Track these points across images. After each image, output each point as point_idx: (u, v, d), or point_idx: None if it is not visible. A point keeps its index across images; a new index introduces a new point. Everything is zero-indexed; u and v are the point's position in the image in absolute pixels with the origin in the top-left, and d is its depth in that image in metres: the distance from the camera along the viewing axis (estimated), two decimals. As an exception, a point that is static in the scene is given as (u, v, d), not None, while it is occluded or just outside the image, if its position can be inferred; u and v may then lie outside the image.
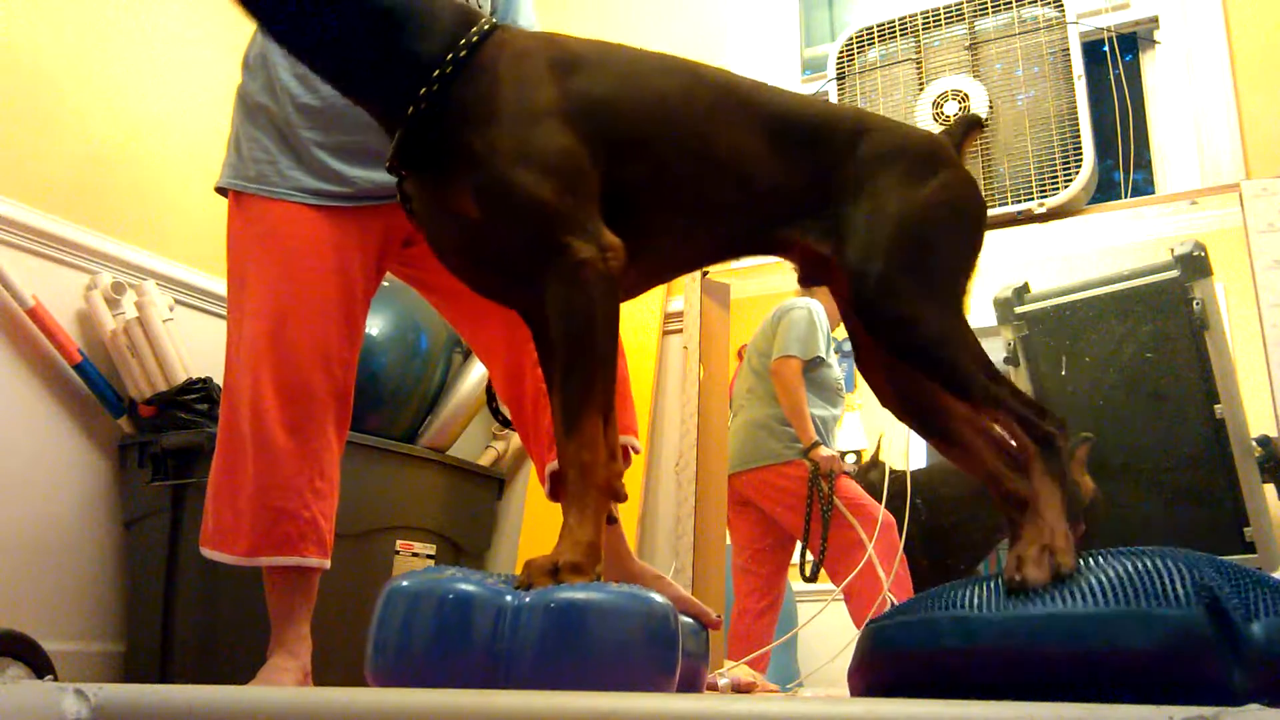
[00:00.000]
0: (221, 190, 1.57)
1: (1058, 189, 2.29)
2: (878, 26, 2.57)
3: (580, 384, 0.97)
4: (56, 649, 1.80)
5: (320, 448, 1.47)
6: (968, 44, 2.45)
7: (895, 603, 2.30)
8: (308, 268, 1.47)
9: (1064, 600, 0.79)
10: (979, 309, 2.55)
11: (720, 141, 1.06)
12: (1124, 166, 2.48)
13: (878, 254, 1.01)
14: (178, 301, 2.42)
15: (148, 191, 2.48)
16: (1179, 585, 0.77)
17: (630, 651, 0.87)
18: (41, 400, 2.16)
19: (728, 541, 2.63)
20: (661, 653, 0.89)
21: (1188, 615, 0.75)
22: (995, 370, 0.99)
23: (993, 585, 0.85)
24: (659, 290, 2.81)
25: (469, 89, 1.01)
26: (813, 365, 2.76)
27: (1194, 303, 2.33)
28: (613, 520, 1.36)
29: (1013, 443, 1.02)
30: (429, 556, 2.45)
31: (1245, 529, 2.20)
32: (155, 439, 2.12)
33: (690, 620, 1.10)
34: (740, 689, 2.01)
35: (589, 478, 0.96)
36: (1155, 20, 2.54)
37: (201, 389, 2.18)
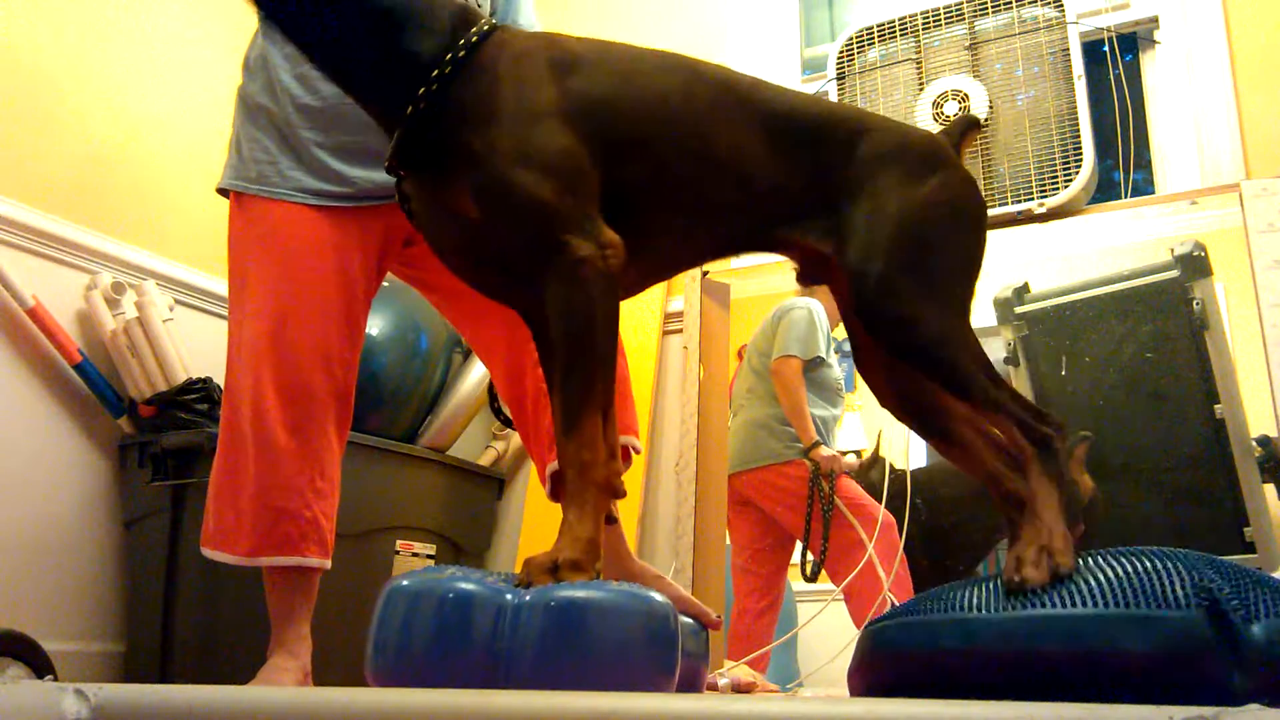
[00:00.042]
0: (223, 191, 1.57)
1: (1058, 189, 2.29)
2: (878, 26, 2.57)
3: (580, 382, 0.97)
4: (56, 649, 1.80)
5: (321, 448, 1.47)
6: (968, 44, 2.45)
7: (895, 603, 2.30)
8: (309, 268, 1.48)
9: (1064, 601, 0.79)
10: (979, 309, 2.55)
11: (720, 140, 1.06)
12: (1124, 166, 2.48)
13: (878, 253, 1.01)
14: (178, 301, 2.42)
15: (148, 191, 2.48)
16: (1179, 586, 0.77)
17: (630, 650, 0.87)
18: (41, 400, 2.16)
19: (728, 541, 2.63)
20: (661, 651, 0.89)
21: (1187, 616, 0.75)
22: (995, 372, 0.99)
23: (992, 586, 0.85)
24: (659, 290, 2.81)
25: (468, 89, 1.01)
26: (813, 365, 2.76)
27: (1194, 303, 2.33)
28: (612, 520, 1.36)
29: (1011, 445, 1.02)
30: (429, 556, 2.45)
31: (1245, 529, 2.20)
32: (155, 439, 2.12)
33: (690, 620, 1.10)
34: (740, 689, 2.01)
35: (588, 475, 0.96)
36: (1155, 20, 2.54)
37: (201, 389, 2.18)
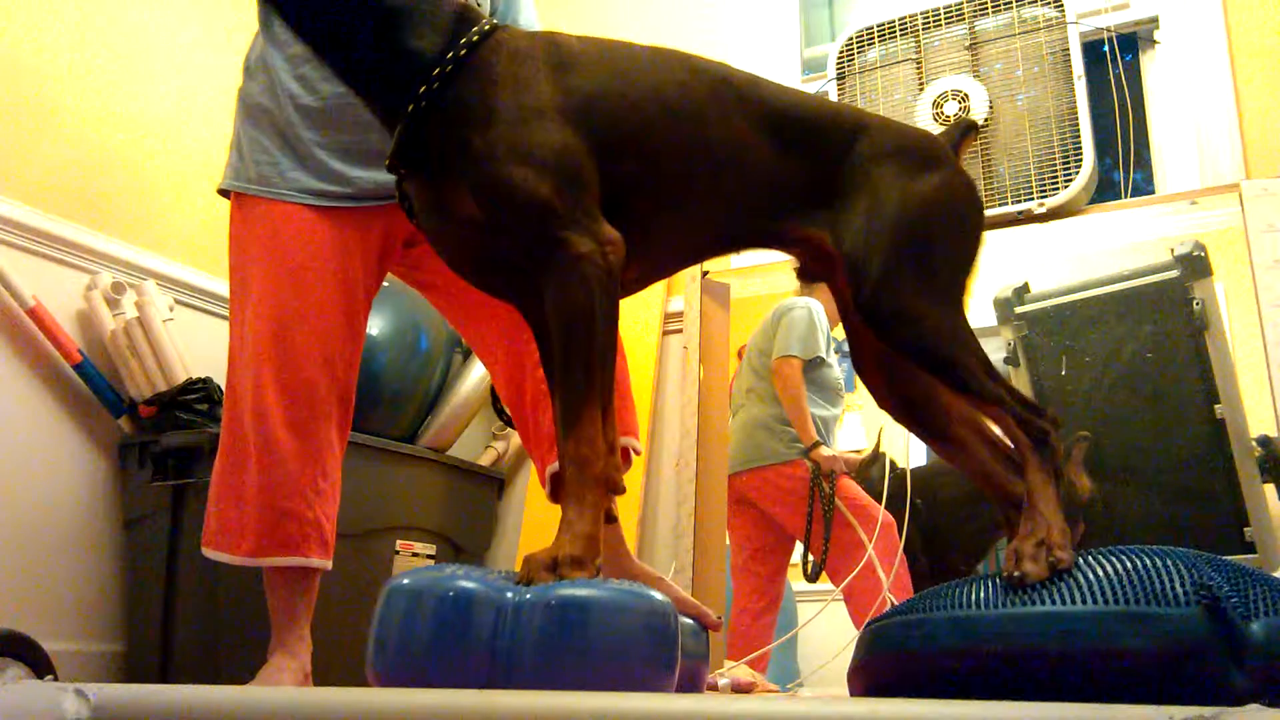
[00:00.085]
0: (224, 192, 1.57)
1: (1058, 189, 2.29)
2: (878, 26, 2.57)
3: (579, 379, 0.97)
4: (56, 649, 1.80)
5: (322, 448, 1.47)
6: (968, 44, 2.45)
7: (895, 604, 2.30)
8: (310, 268, 1.48)
9: (1063, 599, 0.80)
10: (979, 309, 2.55)
11: (719, 135, 1.07)
12: (1124, 166, 2.48)
13: (877, 247, 1.01)
14: (178, 301, 2.42)
15: (148, 191, 2.48)
16: (1178, 584, 0.77)
17: (631, 648, 0.87)
18: (41, 400, 2.16)
19: (728, 541, 2.63)
20: (662, 649, 0.89)
21: (1187, 614, 0.75)
22: (993, 368, 1.00)
23: (991, 584, 0.85)
24: (659, 290, 2.81)
25: (468, 88, 1.01)
26: (813, 365, 2.76)
27: (1194, 303, 2.33)
28: (612, 519, 1.37)
29: (1008, 440, 1.02)
30: (429, 556, 2.45)
31: (1245, 529, 2.20)
32: (155, 439, 2.12)
33: (690, 622, 1.10)
34: (740, 689, 2.01)
35: (587, 471, 0.96)
36: (1155, 20, 2.54)
37: (201, 389, 2.18)
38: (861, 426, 2.97)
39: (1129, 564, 0.80)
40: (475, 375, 2.65)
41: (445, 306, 1.68)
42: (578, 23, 2.98)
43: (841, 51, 2.61)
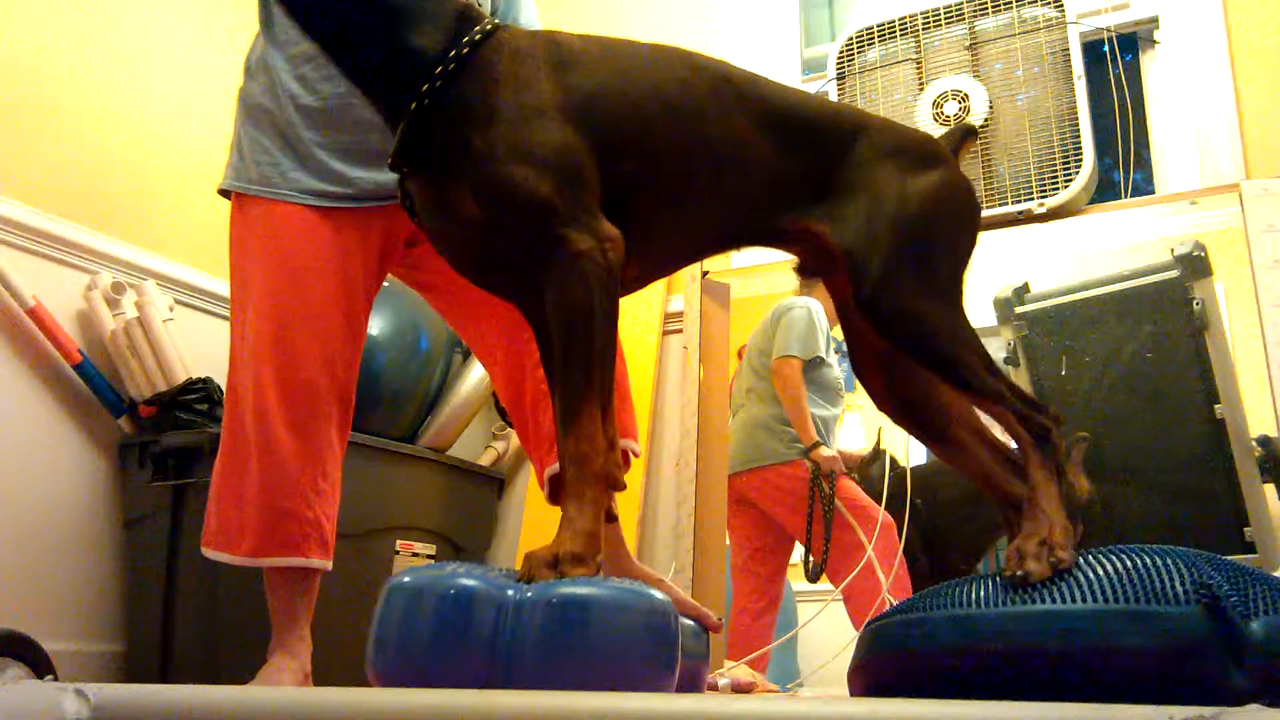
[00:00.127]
0: (224, 192, 1.57)
1: (1058, 189, 2.29)
2: (878, 26, 2.57)
3: (579, 376, 0.97)
4: (56, 649, 1.80)
5: (323, 448, 1.47)
6: (968, 44, 2.45)
7: (894, 605, 2.29)
8: (310, 269, 1.48)
9: (1063, 597, 0.80)
10: (979, 309, 2.55)
11: (719, 132, 1.07)
12: (1124, 166, 2.48)
13: (878, 248, 1.02)
14: (178, 301, 2.42)
15: (148, 191, 2.48)
16: (1178, 583, 0.77)
17: (631, 646, 0.87)
18: (41, 400, 2.16)
19: (728, 541, 2.63)
20: (662, 648, 0.89)
21: (1186, 613, 0.75)
22: (994, 364, 1.00)
23: (992, 584, 0.85)
24: (659, 290, 2.81)
25: (469, 87, 1.02)
26: (813, 365, 2.76)
27: (1194, 303, 2.33)
28: (612, 517, 1.37)
29: (1009, 438, 1.02)
30: (429, 556, 2.45)
31: (1245, 529, 2.20)
32: (155, 439, 2.12)
33: (691, 623, 1.10)
34: (740, 689, 2.01)
35: (587, 468, 0.96)
36: (1155, 20, 2.54)
37: (201, 389, 2.18)
38: (861, 426, 2.97)
39: (1129, 563, 0.80)
40: (475, 375, 2.65)
41: (445, 307, 1.68)
42: (578, 23, 2.98)
43: (841, 51, 2.61)
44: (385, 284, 1.66)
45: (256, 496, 1.43)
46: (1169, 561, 0.79)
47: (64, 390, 2.21)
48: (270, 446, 1.43)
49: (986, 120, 2.39)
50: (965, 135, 1.20)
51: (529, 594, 0.88)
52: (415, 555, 2.40)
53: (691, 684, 1.05)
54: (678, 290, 2.79)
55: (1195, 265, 2.34)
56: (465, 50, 1.02)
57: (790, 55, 2.93)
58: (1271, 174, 2.20)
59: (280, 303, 1.46)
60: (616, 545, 1.44)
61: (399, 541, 2.37)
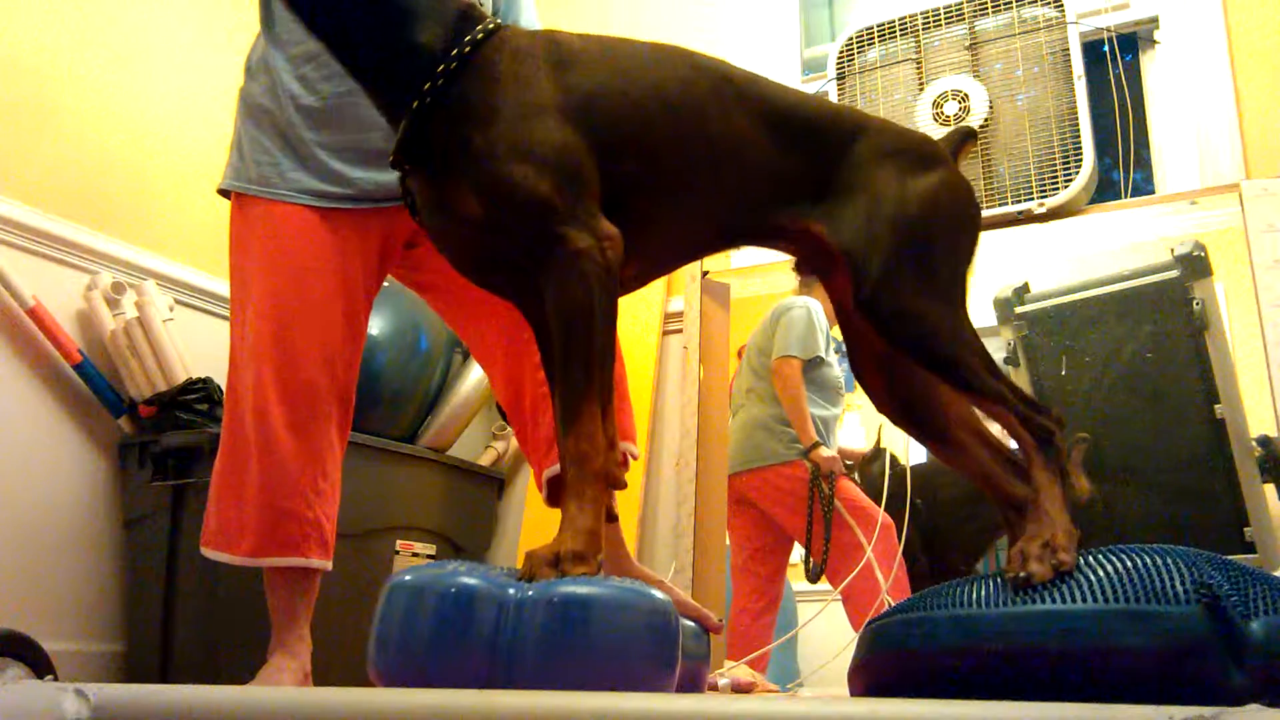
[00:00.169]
0: (224, 192, 1.57)
1: (1058, 189, 2.29)
2: (878, 26, 2.57)
3: (578, 375, 0.97)
4: (56, 649, 1.80)
5: (323, 448, 1.47)
6: (968, 44, 2.45)
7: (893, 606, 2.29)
8: (310, 269, 1.48)
9: (1063, 597, 0.80)
10: (979, 309, 2.55)
11: (720, 131, 1.07)
12: (1124, 166, 2.48)
13: (878, 248, 1.02)
14: (178, 301, 2.42)
15: (148, 191, 2.48)
16: (1178, 583, 0.77)
17: (632, 645, 0.87)
18: (41, 400, 2.16)
19: (728, 541, 2.63)
20: (663, 647, 0.89)
21: (1187, 613, 0.75)
22: (995, 366, 1.00)
23: (992, 583, 0.85)
24: (659, 290, 2.81)
25: (470, 86, 1.02)
26: (812, 365, 2.76)
27: (1194, 303, 2.33)
28: (613, 516, 1.37)
29: (1008, 439, 1.02)
30: (429, 556, 2.45)
31: (1245, 529, 2.20)
32: (155, 439, 2.12)
33: (691, 624, 1.10)
34: (740, 689, 2.01)
35: (588, 467, 0.96)
36: (1155, 20, 2.54)
37: (201, 389, 2.18)
38: (861, 426, 2.97)
39: (1129, 562, 0.80)
40: (475, 375, 2.65)
41: (444, 308, 1.68)
42: (578, 22, 2.98)
43: (841, 51, 2.61)
44: (385, 284, 1.66)
45: (256, 496, 1.43)
46: (1169, 561, 0.79)
47: (64, 390, 2.21)
48: (270, 446, 1.43)
49: (986, 120, 2.39)
50: (965, 137, 1.20)
51: (530, 593, 0.88)
52: (415, 555, 2.40)
53: (692, 685, 1.05)
54: (678, 290, 2.78)
55: (1195, 265, 2.34)
56: (467, 49, 1.02)
57: (790, 55, 2.93)
58: (1271, 174, 2.20)
59: (280, 303, 1.46)
60: (616, 545, 1.44)
61: (399, 541, 2.37)
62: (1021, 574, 0.83)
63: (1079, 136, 2.28)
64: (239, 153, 1.56)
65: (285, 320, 1.45)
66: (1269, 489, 2.22)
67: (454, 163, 1.01)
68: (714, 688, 1.97)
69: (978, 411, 1.08)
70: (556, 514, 0.98)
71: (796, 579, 2.78)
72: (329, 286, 1.48)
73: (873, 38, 2.57)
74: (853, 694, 0.93)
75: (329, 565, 1.48)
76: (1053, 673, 0.77)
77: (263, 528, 1.43)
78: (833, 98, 2.59)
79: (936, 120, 2.41)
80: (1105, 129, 2.49)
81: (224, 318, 1.68)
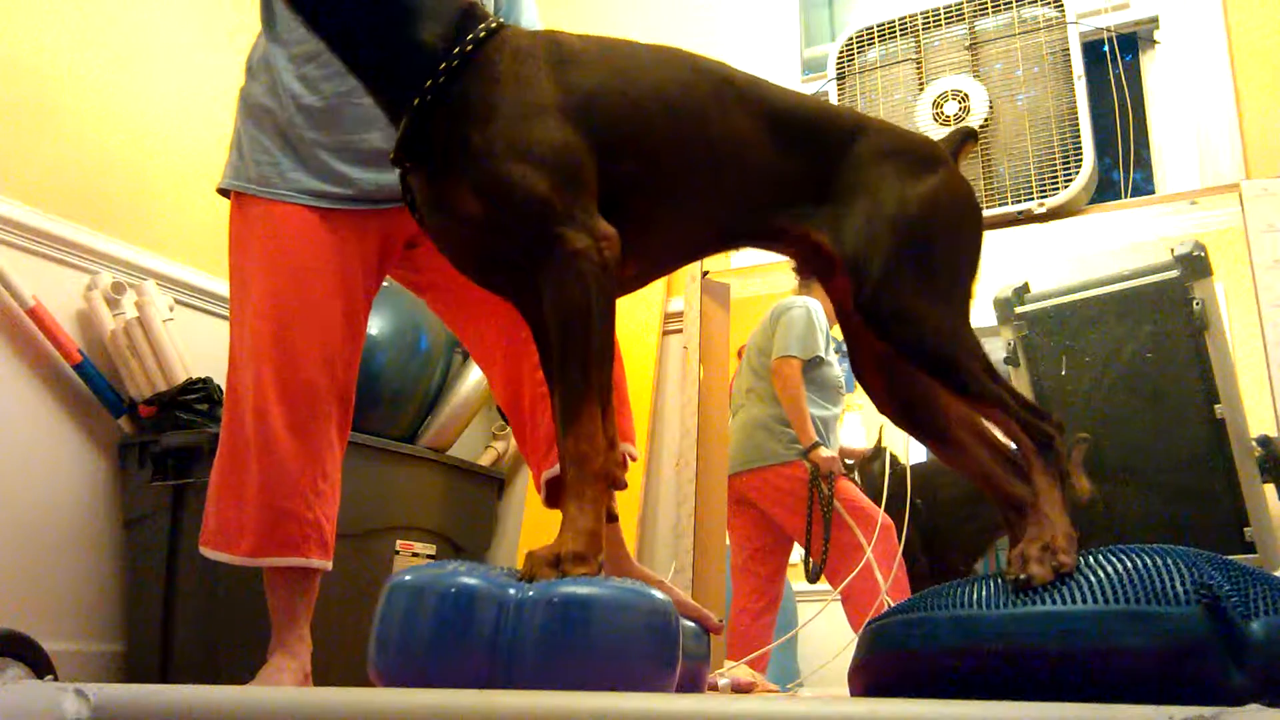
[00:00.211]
0: (223, 191, 1.57)
1: (1058, 189, 2.29)
2: (878, 26, 2.57)
3: (577, 375, 0.97)
4: (56, 649, 1.80)
5: (322, 448, 1.47)
6: (968, 44, 2.45)
7: (893, 607, 2.29)
8: (310, 269, 1.48)
9: (1064, 598, 0.80)
10: (979, 309, 2.55)
11: (719, 132, 1.07)
12: (1124, 166, 2.48)
13: (878, 248, 1.01)
14: (178, 301, 2.42)
15: (148, 191, 2.48)
16: (1178, 583, 0.77)
17: (632, 646, 0.87)
18: (41, 400, 2.16)
19: (728, 541, 2.63)
20: (663, 647, 0.89)
21: (1187, 613, 0.75)
22: (995, 370, 1.00)
23: (992, 584, 0.85)
24: (659, 290, 2.81)
25: (471, 85, 1.02)
26: (812, 364, 2.76)
27: (1194, 303, 2.33)
28: (613, 517, 1.37)
29: (1010, 443, 1.02)
30: (429, 556, 2.45)
31: (1245, 529, 2.20)
32: (155, 439, 2.12)
33: (691, 624, 1.10)
34: (740, 689, 2.01)
35: (588, 467, 0.96)
36: (1155, 20, 2.54)
37: (201, 389, 2.18)
38: (861, 426, 2.97)
39: (1129, 563, 0.80)
40: (475, 375, 2.65)
41: (444, 309, 1.68)
42: (578, 22, 2.98)
43: (841, 51, 2.61)
44: (385, 284, 1.66)
45: (256, 496, 1.43)
46: (1169, 562, 0.79)
47: (64, 390, 2.20)
48: (270, 446, 1.43)
49: (986, 120, 2.39)
50: (965, 138, 1.20)
51: (530, 593, 0.88)
52: (415, 555, 2.40)
53: (692, 685, 1.05)
54: (678, 290, 2.78)
55: (1195, 265, 2.34)
56: (470, 47, 1.02)
57: (790, 55, 2.93)
58: (1271, 174, 2.20)
59: (280, 302, 1.46)
60: (616, 546, 1.44)
61: (399, 541, 2.37)
62: (1022, 576, 0.83)
63: (1079, 136, 2.28)
64: (239, 152, 1.56)
65: (285, 320, 1.45)
66: (1269, 489, 2.22)
67: (453, 161, 1.01)
68: (714, 688, 1.97)
69: (978, 412, 1.08)
70: (556, 514, 0.98)
71: (796, 579, 2.78)
72: (329, 286, 1.48)
73: (873, 38, 2.57)
74: (853, 694, 0.93)
75: (329, 565, 1.48)
76: (1053, 673, 0.77)
77: (262, 528, 1.43)
78: (833, 98, 2.59)
79: (936, 120, 2.41)
80: (1105, 129, 2.49)
81: (224, 318, 1.68)
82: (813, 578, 2.69)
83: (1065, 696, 0.73)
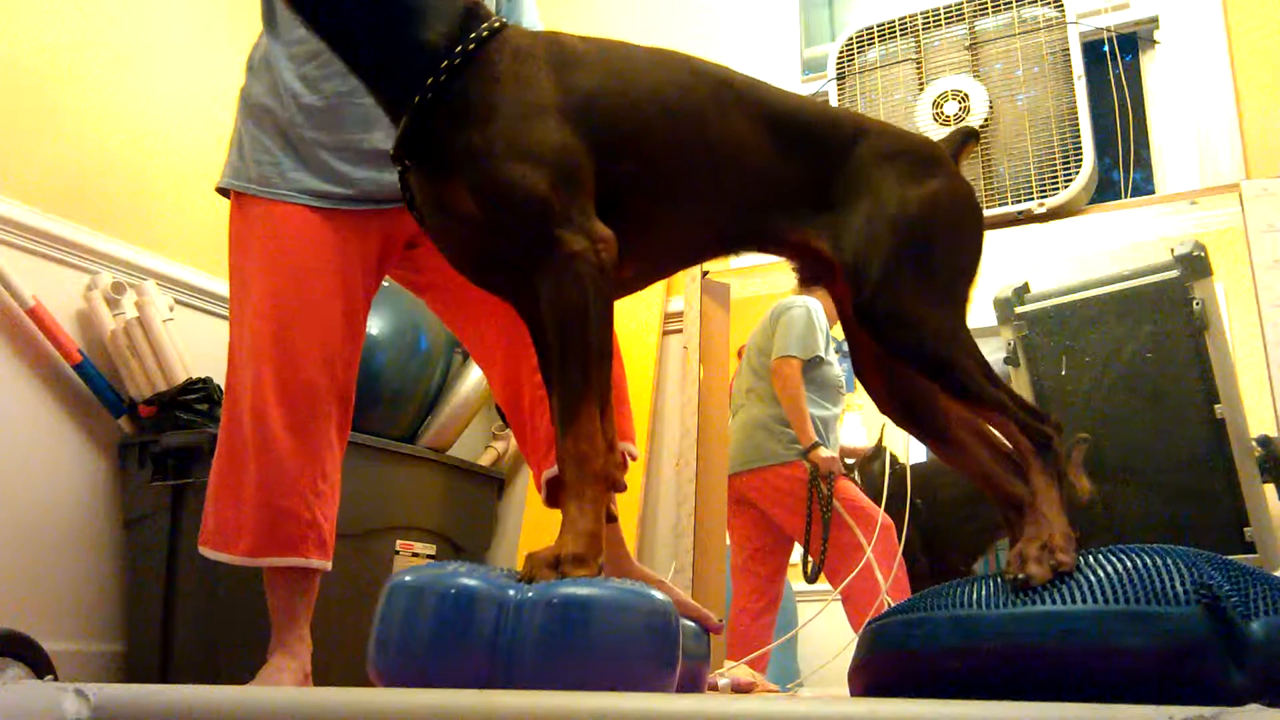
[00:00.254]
0: (223, 191, 1.57)
1: (1058, 189, 2.29)
2: (878, 26, 2.57)
3: (575, 377, 0.97)
4: (56, 649, 1.80)
5: (322, 448, 1.47)
6: (968, 44, 2.45)
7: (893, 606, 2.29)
8: (309, 269, 1.48)
9: (1063, 598, 0.80)
10: (979, 309, 2.55)
11: (718, 134, 1.07)
12: (1124, 166, 2.48)
13: (876, 251, 1.01)
14: (178, 301, 2.42)
15: (148, 191, 2.48)
16: (1178, 583, 0.77)
17: (632, 646, 0.87)
18: (41, 400, 2.16)
19: (728, 541, 2.63)
20: (663, 647, 0.89)
21: (1187, 613, 0.75)
22: (993, 372, 1.00)
23: (992, 584, 0.85)
24: (659, 290, 2.81)
25: (472, 84, 1.02)
26: (812, 364, 2.76)
27: (1194, 303, 2.33)
28: (612, 517, 1.37)
29: (1009, 444, 1.02)
30: (429, 556, 2.45)
31: (1245, 529, 2.20)
32: (155, 439, 2.12)
33: (691, 624, 1.10)
34: (740, 689, 2.01)
35: (587, 469, 0.96)
36: (1155, 20, 2.54)
37: (201, 389, 2.18)
38: (862, 426, 2.97)
39: (1129, 563, 0.80)
40: (475, 375, 2.65)
41: (443, 309, 1.68)
42: (577, 22, 2.98)
43: (841, 51, 2.61)
44: (385, 284, 1.66)
45: (254, 496, 1.43)
46: (1169, 562, 0.79)
47: (64, 390, 2.20)
48: (268, 446, 1.43)
49: (986, 120, 2.39)
50: (966, 138, 1.20)
51: (530, 594, 0.88)
52: (415, 555, 2.40)
53: (692, 685, 1.05)
54: (678, 290, 2.78)
55: (1195, 265, 2.34)
56: (472, 45, 1.02)
57: (790, 55, 2.93)
58: (1271, 174, 2.20)
59: (280, 302, 1.46)
60: (616, 546, 1.44)
61: (399, 541, 2.37)
62: (1020, 575, 0.83)
63: (1079, 136, 2.28)
64: (239, 151, 1.56)
65: (285, 320, 1.45)
66: (1269, 489, 2.22)
67: (453, 160, 1.01)
68: (714, 688, 1.97)
69: (977, 413, 1.08)
70: (557, 514, 0.98)
71: (796, 579, 2.78)
72: (329, 286, 1.48)
73: (873, 38, 2.57)
74: (853, 694, 0.93)
75: (328, 565, 1.48)
76: (1052, 673, 0.77)
77: (260, 527, 1.43)
78: (833, 98, 2.59)
79: (936, 120, 2.42)
80: (1105, 129, 2.49)
81: (224, 318, 1.68)
82: (811, 578, 2.69)
83: (1065, 696, 0.73)
